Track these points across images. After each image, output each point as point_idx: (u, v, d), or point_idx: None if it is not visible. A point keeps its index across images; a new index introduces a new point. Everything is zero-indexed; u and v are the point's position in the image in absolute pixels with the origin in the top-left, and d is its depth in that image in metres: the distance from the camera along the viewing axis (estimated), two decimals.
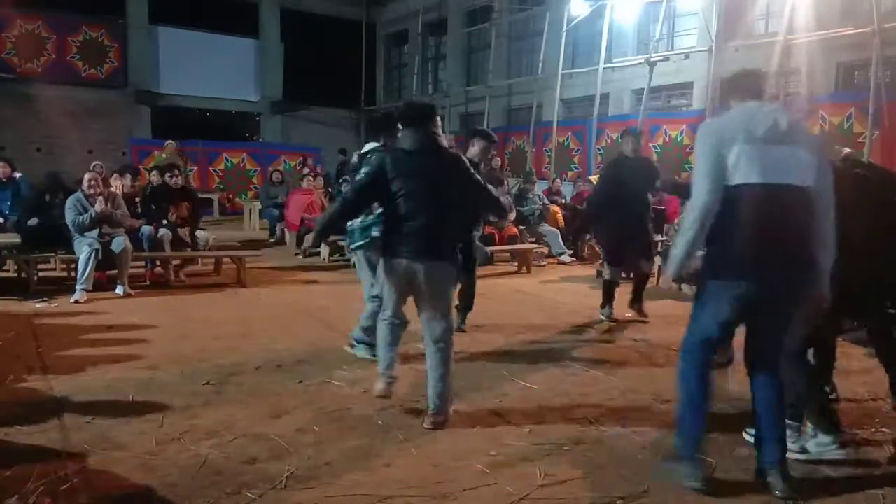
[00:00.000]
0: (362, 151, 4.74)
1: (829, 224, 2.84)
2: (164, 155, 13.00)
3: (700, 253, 2.99)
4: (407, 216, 3.59)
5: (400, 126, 3.83)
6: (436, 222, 3.60)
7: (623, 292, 6.56)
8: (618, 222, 6.39)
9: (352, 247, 4.60)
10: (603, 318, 6.42)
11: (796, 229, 2.81)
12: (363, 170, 4.14)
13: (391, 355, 3.86)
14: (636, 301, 6.55)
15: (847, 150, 4.33)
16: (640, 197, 6.44)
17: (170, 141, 14.14)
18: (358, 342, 4.90)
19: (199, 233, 8.26)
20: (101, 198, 7.07)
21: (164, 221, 7.98)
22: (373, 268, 4.43)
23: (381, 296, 4.03)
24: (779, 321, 2.93)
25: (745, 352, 3.08)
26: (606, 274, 6.57)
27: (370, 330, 4.58)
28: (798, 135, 2.91)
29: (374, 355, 4.29)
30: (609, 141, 14.32)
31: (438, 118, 3.81)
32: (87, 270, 6.78)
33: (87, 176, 7.27)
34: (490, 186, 4.19)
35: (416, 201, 3.58)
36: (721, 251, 2.90)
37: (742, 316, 2.96)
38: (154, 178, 8.67)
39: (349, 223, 4.35)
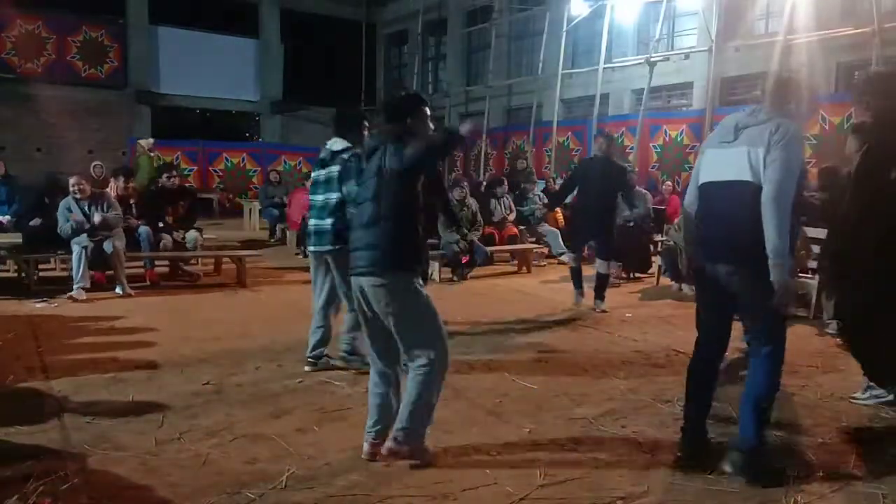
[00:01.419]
0: (335, 149, 4.43)
1: (774, 215, 2.82)
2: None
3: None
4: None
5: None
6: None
7: (624, 292, 6.55)
8: (577, 215, 7.04)
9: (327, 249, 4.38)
10: (574, 303, 6.88)
11: (729, 222, 2.98)
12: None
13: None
14: (596, 296, 6.77)
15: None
16: (602, 197, 6.65)
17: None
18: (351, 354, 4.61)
19: (189, 234, 8.19)
20: (98, 212, 7.09)
21: (161, 224, 7.96)
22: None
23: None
24: (724, 309, 3.16)
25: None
26: (567, 259, 6.96)
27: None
28: (746, 134, 2.99)
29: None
30: None
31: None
32: (81, 269, 6.80)
33: (72, 180, 7.25)
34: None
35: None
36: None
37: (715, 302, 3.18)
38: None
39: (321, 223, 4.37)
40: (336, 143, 4.45)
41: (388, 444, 3.07)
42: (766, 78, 3.38)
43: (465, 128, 3.05)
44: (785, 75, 3.29)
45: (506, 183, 10.66)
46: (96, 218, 7.07)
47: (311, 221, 4.51)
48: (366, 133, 4.50)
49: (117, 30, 18.52)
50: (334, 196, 4.36)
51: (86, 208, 7.13)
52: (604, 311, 6.64)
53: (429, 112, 3.24)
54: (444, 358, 3.09)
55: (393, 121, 3.16)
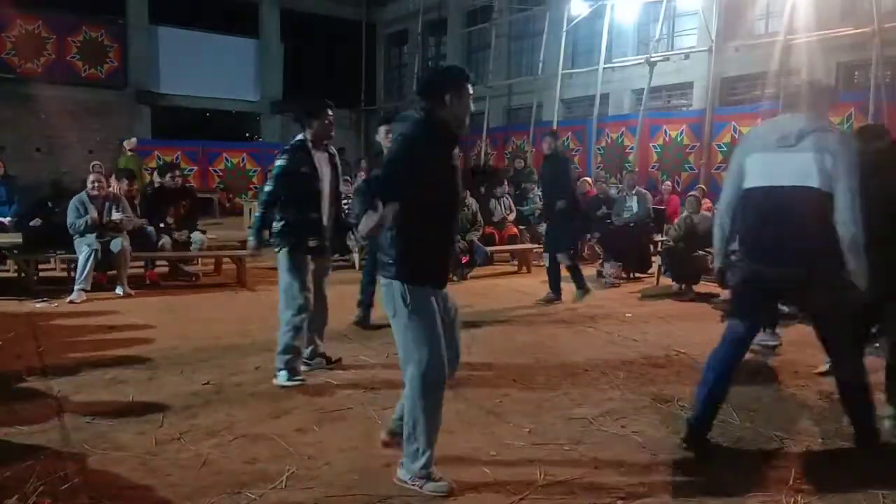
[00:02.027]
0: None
1: (855, 217, 2.94)
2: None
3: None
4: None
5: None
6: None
7: (624, 292, 6.56)
8: (544, 215, 7.73)
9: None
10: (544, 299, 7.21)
11: (798, 225, 2.99)
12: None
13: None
14: (576, 287, 7.16)
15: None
16: (550, 193, 7.29)
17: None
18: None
19: (194, 235, 8.23)
20: (119, 213, 7.15)
21: (161, 224, 7.96)
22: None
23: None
24: (771, 311, 3.35)
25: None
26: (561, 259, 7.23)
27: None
28: (811, 140, 3.03)
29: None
30: (609, 141, 14.33)
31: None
32: (86, 270, 6.79)
33: (91, 177, 7.27)
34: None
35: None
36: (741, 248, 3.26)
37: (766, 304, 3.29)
38: (155, 178, 8.68)
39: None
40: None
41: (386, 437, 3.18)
42: (795, 82, 3.59)
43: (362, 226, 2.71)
44: (822, 83, 3.52)
45: (506, 183, 10.67)
46: (116, 216, 7.11)
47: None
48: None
49: (117, 30, 18.50)
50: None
51: (99, 206, 7.13)
52: (584, 295, 7.09)
53: (471, 90, 2.88)
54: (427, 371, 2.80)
55: (428, 98, 2.83)
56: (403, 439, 2.90)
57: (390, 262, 2.80)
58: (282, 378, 4.26)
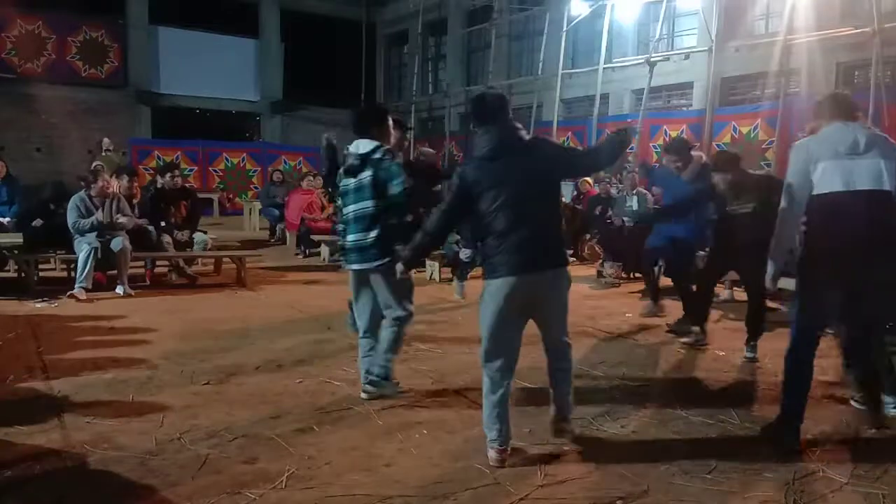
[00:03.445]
0: (363, 152, 3.90)
1: None
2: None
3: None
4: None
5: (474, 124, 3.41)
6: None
7: (624, 292, 6.55)
8: None
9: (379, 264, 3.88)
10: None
11: (876, 225, 3.27)
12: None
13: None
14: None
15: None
16: None
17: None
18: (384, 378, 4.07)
19: (196, 235, 8.23)
20: (122, 217, 7.15)
21: (163, 224, 7.97)
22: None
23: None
24: (856, 308, 3.46)
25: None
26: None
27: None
28: (878, 148, 3.35)
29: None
30: None
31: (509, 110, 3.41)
32: (87, 268, 6.80)
33: (100, 181, 7.26)
34: None
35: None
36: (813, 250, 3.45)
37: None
38: (157, 179, 8.69)
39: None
40: (362, 145, 3.92)
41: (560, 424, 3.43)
42: (821, 96, 3.75)
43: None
44: (847, 93, 3.85)
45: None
46: (122, 219, 7.09)
47: (349, 237, 3.97)
48: (391, 127, 4.18)
49: (117, 30, 18.51)
50: (370, 205, 3.87)
51: (98, 205, 7.13)
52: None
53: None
54: None
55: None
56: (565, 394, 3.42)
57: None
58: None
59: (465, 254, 7.18)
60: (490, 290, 3.16)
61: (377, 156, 3.88)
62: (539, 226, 3.15)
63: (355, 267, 3.98)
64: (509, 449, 3.18)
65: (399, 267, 3.56)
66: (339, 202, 4.14)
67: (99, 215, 7.04)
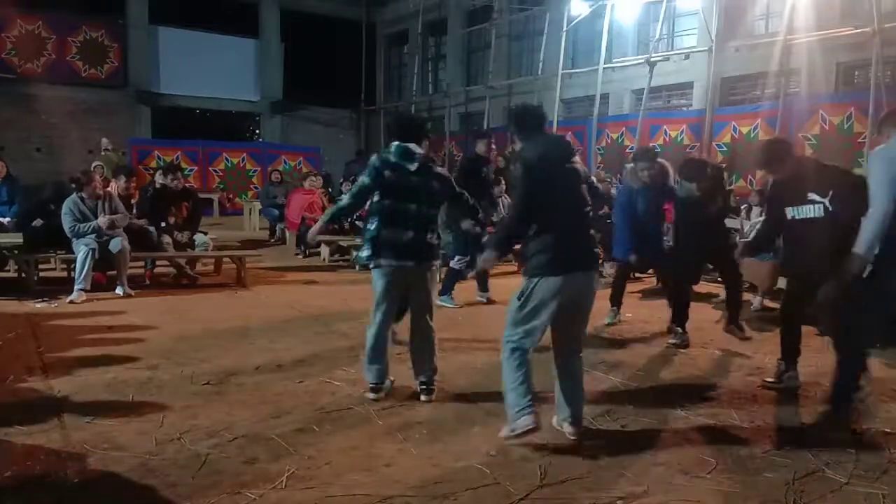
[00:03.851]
0: (419, 154, 4.03)
1: None
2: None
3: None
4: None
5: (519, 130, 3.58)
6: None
7: (624, 292, 6.56)
8: None
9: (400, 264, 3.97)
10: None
11: None
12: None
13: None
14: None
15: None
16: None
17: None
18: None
19: (197, 237, 8.22)
20: (105, 215, 7.10)
21: (163, 224, 7.96)
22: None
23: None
24: None
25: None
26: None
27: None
28: None
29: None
30: (609, 141, 14.32)
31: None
32: (85, 270, 6.78)
33: (91, 183, 7.22)
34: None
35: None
36: None
37: None
38: (158, 178, 8.68)
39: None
40: (417, 148, 4.06)
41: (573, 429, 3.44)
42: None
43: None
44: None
45: (503, 183, 10.64)
46: (102, 221, 7.04)
47: (408, 234, 3.96)
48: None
49: (117, 30, 18.50)
50: (431, 208, 4.10)
51: (92, 207, 7.12)
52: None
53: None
54: None
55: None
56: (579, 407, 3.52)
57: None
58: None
59: (457, 263, 7.08)
60: (536, 287, 3.29)
61: (430, 163, 4.11)
62: (581, 227, 3.45)
63: (409, 265, 3.98)
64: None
65: (488, 254, 3.60)
66: (378, 198, 4.03)
67: (102, 221, 6.99)
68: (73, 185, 7.42)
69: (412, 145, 4.05)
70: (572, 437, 3.43)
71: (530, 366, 3.35)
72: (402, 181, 3.98)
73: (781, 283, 6.42)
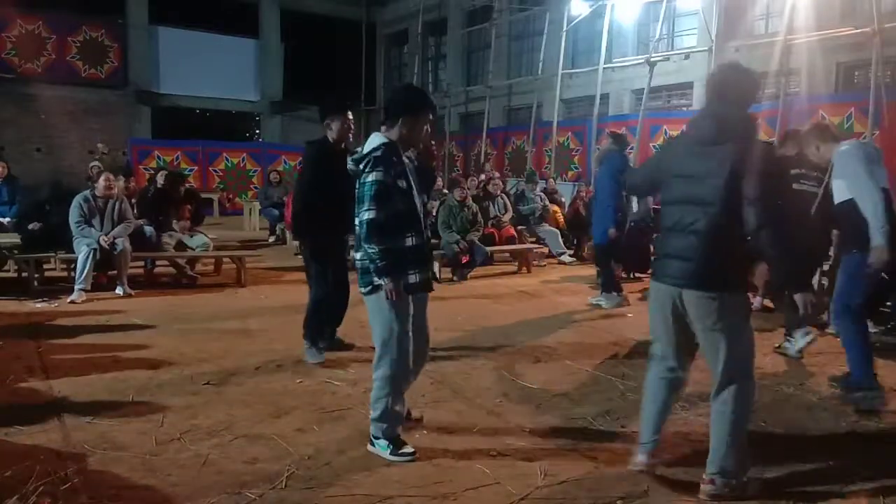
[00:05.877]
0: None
1: None
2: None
3: None
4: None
5: None
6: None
7: (624, 292, 6.56)
8: None
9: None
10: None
11: None
12: None
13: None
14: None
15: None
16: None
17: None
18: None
19: (199, 238, 8.21)
20: (110, 220, 7.09)
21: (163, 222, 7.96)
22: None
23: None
24: None
25: None
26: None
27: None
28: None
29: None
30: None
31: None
32: (86, 270, 6.78)
33: (102, 180, 7.21)
34: None
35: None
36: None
37: None
38: (159, 179, 8.69)
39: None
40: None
41: (707, 486, 2.85)
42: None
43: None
44: None
45: (502, 182, 10.65)
46: (102, 240, 6.88)
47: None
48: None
49: (117, 30, 18.51)
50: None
51: (101, 207, 7.11)
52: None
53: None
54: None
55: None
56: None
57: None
58: (380, 448, 3.24)
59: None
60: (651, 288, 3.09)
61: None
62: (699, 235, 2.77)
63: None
64: (651, 455, 3.03)
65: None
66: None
67: (103, 240, 6.87)
68: (89, 182, 7.41)
69: None
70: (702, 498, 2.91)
71: (652, 386, 3.24)
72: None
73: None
